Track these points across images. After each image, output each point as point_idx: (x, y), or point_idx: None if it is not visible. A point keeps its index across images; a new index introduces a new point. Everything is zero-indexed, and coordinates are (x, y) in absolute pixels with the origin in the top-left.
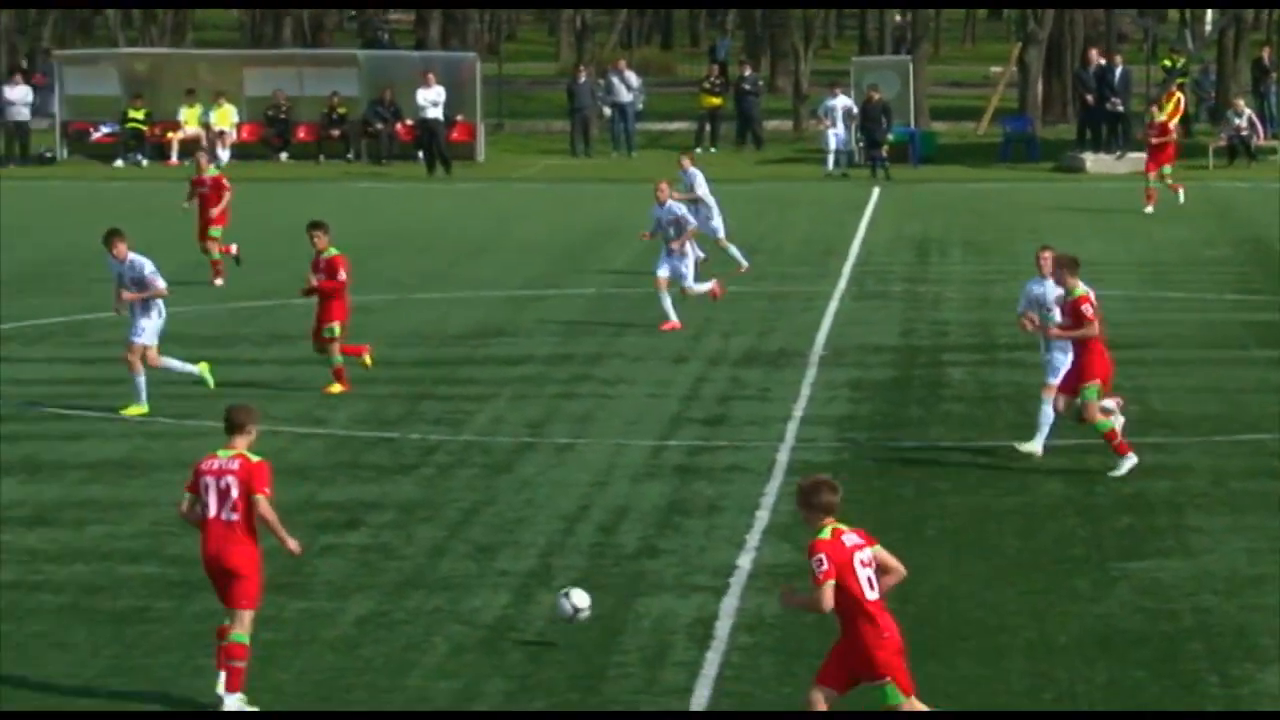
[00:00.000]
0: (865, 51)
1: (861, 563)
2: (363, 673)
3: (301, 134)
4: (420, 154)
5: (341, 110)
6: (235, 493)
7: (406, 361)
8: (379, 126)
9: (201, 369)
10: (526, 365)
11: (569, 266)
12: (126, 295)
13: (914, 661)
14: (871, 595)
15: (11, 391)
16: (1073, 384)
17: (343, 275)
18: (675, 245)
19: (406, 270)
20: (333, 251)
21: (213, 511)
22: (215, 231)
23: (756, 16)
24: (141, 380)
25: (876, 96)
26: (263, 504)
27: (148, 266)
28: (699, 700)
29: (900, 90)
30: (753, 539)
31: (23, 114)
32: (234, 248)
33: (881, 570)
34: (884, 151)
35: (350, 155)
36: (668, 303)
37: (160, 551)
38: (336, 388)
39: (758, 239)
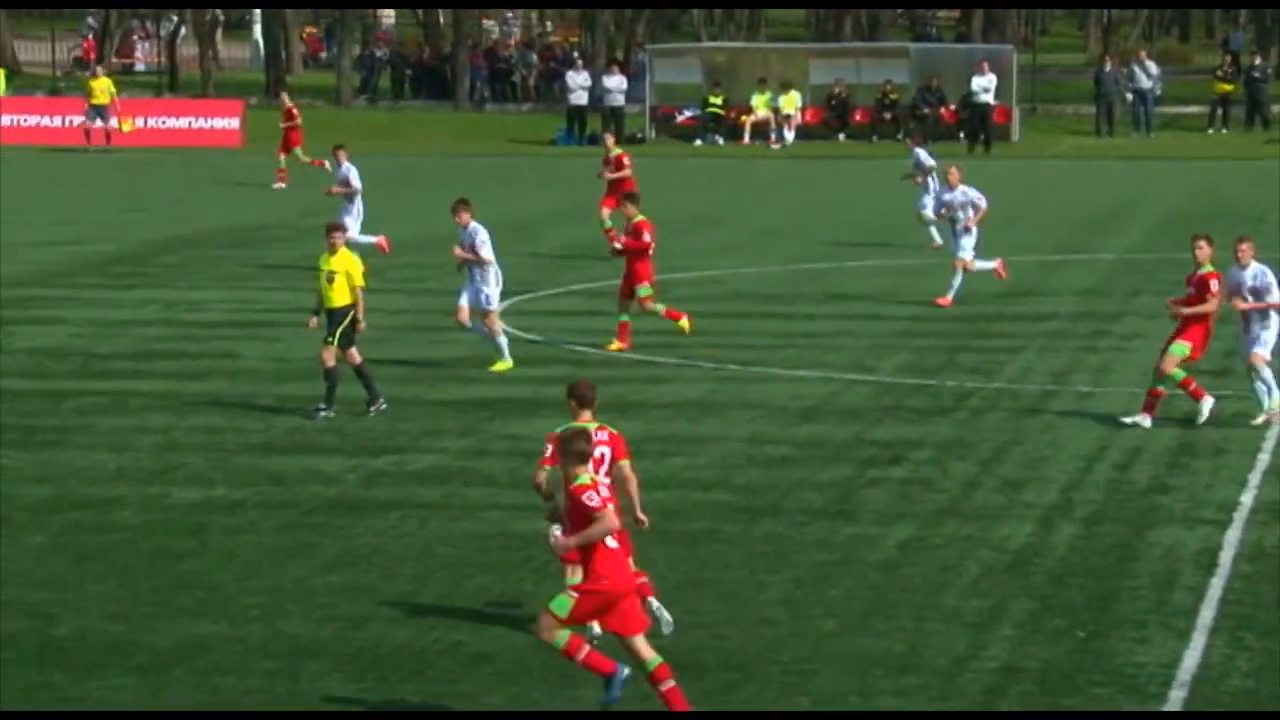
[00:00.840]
0: None
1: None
2: (903, 590)
3: (858, 117)
4: (961, 134)
5: (893, 96)
6: (608, 460)
7: (946, 317)
8: (926, 110)
9: (501, 367)
10: (1052, 322)
11: (1092, 234)
12: (457, 251)
13: None
14: (612, 543)
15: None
16: (1173, 338)
17: (646, 237)
18: (967, 224)
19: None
20: (639, 217)
21: None
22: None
23: (1267, 12)
24: (503, 340)
25: None
26: (629, 469)
27: (479, 235)
28: (1204, 620)
29: None
30: (1254, 478)
31: (618, 100)
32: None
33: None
34: None
35: (900, 135)
36: (958, 280)
37: (729, 481)
38: (615, 345)
39: (1264, 210)
